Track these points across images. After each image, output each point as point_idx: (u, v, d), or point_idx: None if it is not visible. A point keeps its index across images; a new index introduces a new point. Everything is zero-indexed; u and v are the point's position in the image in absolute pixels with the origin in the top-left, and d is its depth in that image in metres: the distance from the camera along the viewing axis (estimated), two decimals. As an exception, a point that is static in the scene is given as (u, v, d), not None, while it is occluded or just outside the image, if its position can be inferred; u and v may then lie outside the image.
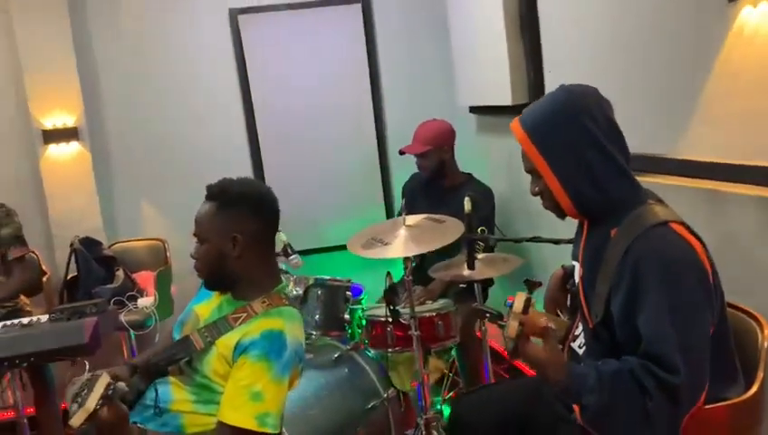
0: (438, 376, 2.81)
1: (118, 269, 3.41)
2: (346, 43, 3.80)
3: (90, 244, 3.36)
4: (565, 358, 1.40)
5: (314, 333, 2.65)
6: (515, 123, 1.51)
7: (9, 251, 3.13)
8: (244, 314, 1.69)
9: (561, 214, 1.54)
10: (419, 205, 2.96)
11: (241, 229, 1.70)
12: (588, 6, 2.46)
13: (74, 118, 3.53)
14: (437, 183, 3.10)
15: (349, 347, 2.65)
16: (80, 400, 1.39)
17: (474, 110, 3.55)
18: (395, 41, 3.86)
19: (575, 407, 1.36)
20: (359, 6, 3.77)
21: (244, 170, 3.79)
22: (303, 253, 3.26)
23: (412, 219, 2.37)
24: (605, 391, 1.31)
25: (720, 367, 1.41)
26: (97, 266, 3.32)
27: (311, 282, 2.63)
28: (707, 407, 1.38)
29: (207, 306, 1.80)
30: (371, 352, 2.65)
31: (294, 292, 2.59)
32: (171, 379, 1.70)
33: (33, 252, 3.35)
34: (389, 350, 2.58)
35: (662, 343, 1.31)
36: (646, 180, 2.07)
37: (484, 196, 3.04)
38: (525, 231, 2.83)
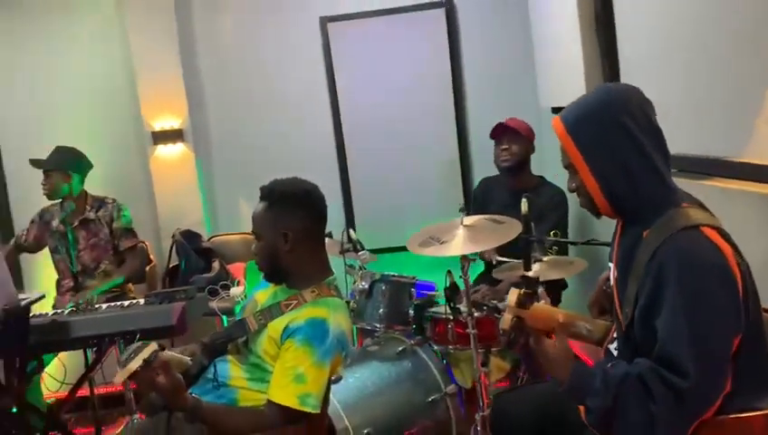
0: (502, 375, 2.84)
1: (214, 260, 3.72)
2: (430, 47, 3.89)
3: (190, 236, 3.68)
4: (572, 357, 1.42)
5: (378, 326, 2.77)
6: (556, 119, 1.53)
7: (121, 242, 3.52)
8: (295, 302, 1.84)
9: (597, 212, 1.55)
10: (492, 208, 3.00)
11: (290, 226, 1.85)
12: (663, 6, 2.41)
13: (180, 121, 3.89)
14: (510, 185, 3.12)
15: (413, 342, 2.75)
16: (126, 362, 1.59)
17: (556, 111, 3.53)
18: (478, 43, 3.91)
19: (580, 408, 1.38)
20: (442, 11, 3.85)
21: (330, 171, 4.01)
22: (384, 251, 3.40)
23: (470, 219, 2.43)
24: (610, 394, 1.32)
25: (753, 375, 1.37)
26: (196, 257, 3.64)
27: (376, 277, 2.75)
28: (742, 416, 1.35)
29: (265, 293, 1.98)
30: (435, 348, 2.74)
31: (360, 286, 2.72)
32: (229, 357, 1.89)
33: (143, 242, 3.74)
34: (451, 347, 2.66)
35: (676, 345, 1.30)
36: (708, 184, 2.02)
37: (556, 199, 3.03)
38: (606, 234, 2.80)
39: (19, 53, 3.98)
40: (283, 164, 3.98)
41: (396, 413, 2.54)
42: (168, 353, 1.70)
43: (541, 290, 1.56)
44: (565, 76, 3.10)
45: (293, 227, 1.86)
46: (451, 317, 2.56)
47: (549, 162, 3.17)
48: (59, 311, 3.01)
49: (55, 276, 3.62)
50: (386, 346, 2.77)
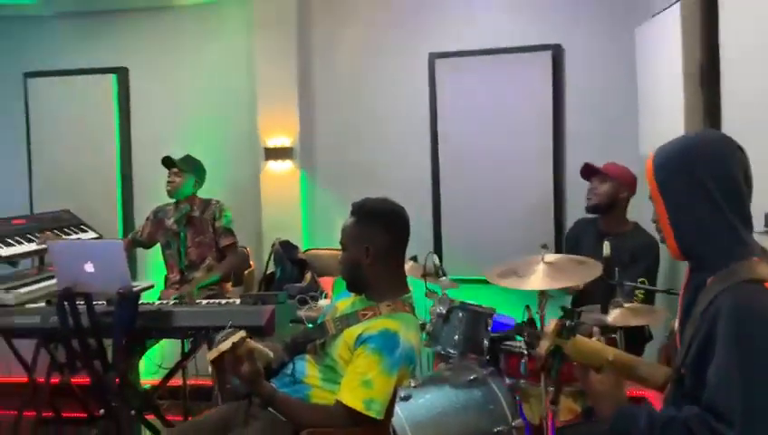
0: (571, 417, 2.83)
1: (307, 272, 3.94)
2: (533, 89, 3.94)
3: (288, 247, 3.93)
4: (621, 396, 1.46)
5: (452, 351, 2.84)
6: (651, 155, 1.56)
7: (221, 239, 3.80)
8: (371, 313, 1.99)
9: (672, 252, 1.56)
10: (582, 250, 3.03)
11: (373, 241, 2.01)
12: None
13: (291, 140, 4.17)
14: (600, 228, 3.14)
15: (485, 372, 2.80)
16: (218, 342, 1.78)
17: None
18: (582, 88, 3.92)
19: None
20: (549, 54, 3.91)
21: (424, 200, 4.15)
22: (466, 281, 3.48)
23: (552, 257, 2.49)
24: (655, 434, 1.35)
25: None
26: (291, 267, 3.87)
27: (455, 304, 2.84)
28: None
29: (345, 302, 2.13)
30: (507, 381, 2.78)
31: (439, 310, 2.82)
32: (308, 356, 2.05)
33: (244, 247, 4.02)
34: (522, 381, 2.69)
35: (726, 396, 1.31)
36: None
37: (647, 246, 3.01)
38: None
39: (159, 71, 4.45)
40: (380, 189, 4.17)
41: (463, 438, 2.61)
42: (253, 343, 1.87)
43: (596, 329, 1.59)
44: (666, 129, 3.09)
45: (375, 242, 2.02)
46: (524, 352, 2.61)
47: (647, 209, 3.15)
48: (164, 302, 3.33)
49: (164, 271, 3.96)
50: (459, 373, 2.83)
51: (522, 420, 2.67)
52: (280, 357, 2.03)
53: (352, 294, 2.14)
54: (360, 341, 1.92)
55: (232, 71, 4.36)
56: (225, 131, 4.36)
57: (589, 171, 3.18)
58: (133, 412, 3.17)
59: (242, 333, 1.79)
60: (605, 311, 2.34)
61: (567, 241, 3.40)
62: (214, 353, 1.76)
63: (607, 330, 2.60)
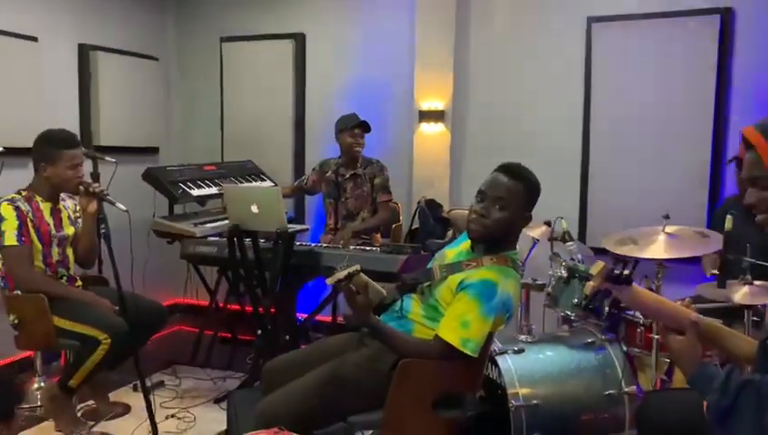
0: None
1: (450, 230, 4.16)
2: (697, 57, 3.74)
3: (432, 205, 4.16)
4: (700, 356, 1.51)
5: (572, 314, 2.91)
6: (751, 128, 1.50)
7: (378, 195, 4.16)
8: (474, 264, 2.18)
9: (750, 210, 1.52)
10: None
11: (529, 210, 2.20)
12: None
13: (443, 103, 4.36)
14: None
15: (604, 338, 2.85)
16: (338, 271, 2.05)
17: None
18: (753, 57, 3.65)
19: (704, 402, 1.48)
20: (717, 18, 3.66)
21: (572, 166, 4.14)
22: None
23: (673, 228, 2.46)
24: (728, 395, 1.40)
25: None
26: (433, 224, 4.11)
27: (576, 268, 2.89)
28: None
29: (454, 251, 2.34)
30: (624, 348, 2.80)
31: (559, 273, 2.89)
32: (414, 296, 2.29)
33: (396, 203, 4.35)
34: (638, 350, 2.71)
35: None
36: None
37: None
38: None
39: (331, 37, 4.84)
40: (528, 156, 4.23)
41: (570, 396, 2.68)
42: (366, 278, 2.13)
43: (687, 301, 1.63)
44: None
45: (529, 213, 2.21)
46: (641, 321, 2.62)
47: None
48: (319, 244, 3.75)
49: (325, 218, 4.42)
50: (577, 335, 2.91)
51: (635, 387, 2.70)
52: (392, 295, 2.29)
53: (461, 244, 2.33)
54: (462, 286, 2.12)
55: (394, 37, 4.62)
56: (384, 94, 4.66)
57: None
58: (288, 337, 3.67)
59: (357, 267, 2.06)
60: (722, 285, 2.29)
61: (715, 218, 3.24)
62: (333, 279, 2.05)
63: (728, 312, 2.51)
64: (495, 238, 2.21)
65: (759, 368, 1.55)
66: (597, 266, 1.61)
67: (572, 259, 2.98)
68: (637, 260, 1.62)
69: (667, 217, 2.50)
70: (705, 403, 1.48)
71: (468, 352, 2.07)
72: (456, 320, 2.09)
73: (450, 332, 2.09)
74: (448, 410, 2.21)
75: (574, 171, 4.16)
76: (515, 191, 2.17)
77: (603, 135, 4.06)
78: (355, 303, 2.08)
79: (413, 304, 2.27)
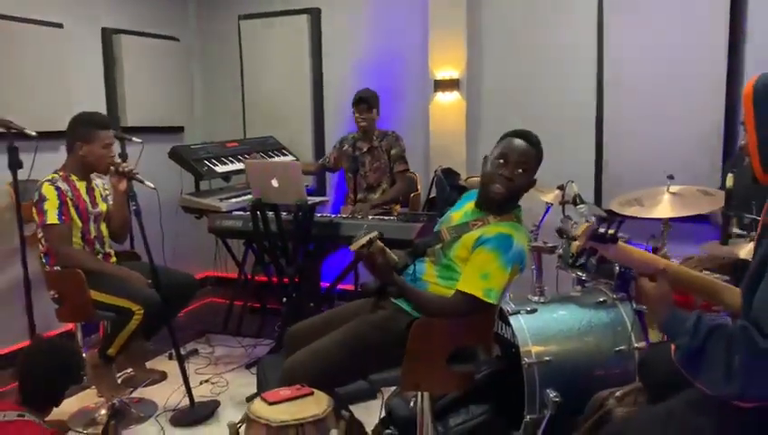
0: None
1: (466, 197, 4.25)
2: (707, 21, 3.73)
3: (449, 174, 4.24)
4: (671, 300, 1.60)
5: (584, 275, 3.00)
6: (753, 78, 1.58)
7: (395, 165, 4.27)
8: (480, 223, 2.33)
9: (753, 177, 1.61)
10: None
11: (537, 170, 2.36)
12: None
13: (458, 72, 4.41)
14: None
15: (615, 296, 2.93)
16: (358, 237, 2.18)
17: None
18: (765, 16, 3.61)
19: (672, 346, 1.57)
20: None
21: (587, 130, 4.18)
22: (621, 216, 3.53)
23: (677, 187, 2.52)
24: (698, 338, 1.49)
25: None
26: (450, 192, 4.19)
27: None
28: None
29: (459, 213, 2.47)
30: (635, 307, 2.88)
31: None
32: (426, 259, 2.41)
33: (413, 173, 4.45)
34: (646, 307, 2.78)
35: (765, 310, 1.42)
36: None
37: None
38: None
39: (346, 11, 4.90)
40: (543, 120, 4.30)
41: (581, 353, 2.76)
42: (382, 244, 2.25)
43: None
44: None
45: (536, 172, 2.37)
46: (649, 279, 2.69)
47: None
48: (339, 215, 3.89)
49: (345, 191, 4.54)
50: (589, 295, 2.99)
51: (645, 343, 2.78)
52: (403, 260, 2.41)
53: (465, 205, 2.45)
54: (479, 242, 2.27)
55: (407, 7, 4.66)
56: (400, 65, 4.72)
57: None
58: (312, 304, 3.83)
59: (375, 233, 2.19)
60: (725, 242, 2.35)
61: (723, 176, 3.27)
62: (356, 245, 2.18)
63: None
64: (509, 201, 2.36)
65: (744, 316, 1.64)
66: (582, 227, 1.70)
67: (586, 221, 3.07)
68: (621, 220, 1.71)
69: (671, 177, 2.56)
70: (673, 347, 1.58)
71: (492, 301, 2.22)
72: (476, 273, 2.23)
73: (472, 284, 2.23)
74: (462, 364, 2.34)
75: (589, 135, 4.20)
76: (532, 155, 2.35)
77: (617, 98, 4.08)
78: (377, 266, 2.20)
79: (426, 267, 2.40)
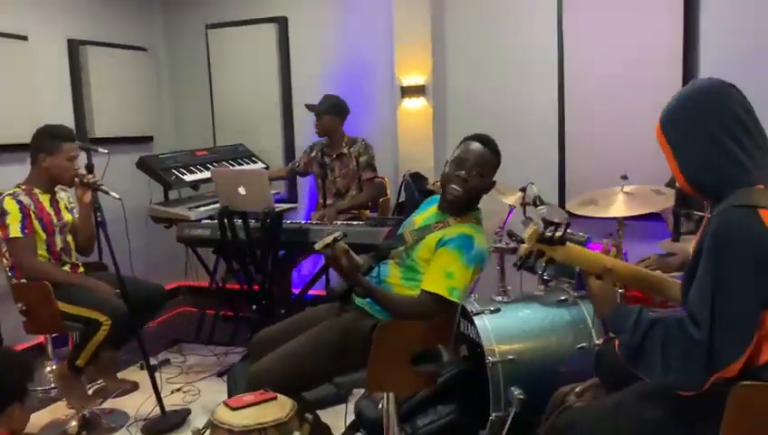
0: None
1: (434, 201, 4.31)
2: (664, 23, 3.84)
3: (417, 178, 4.30)
4: (615, 298, 1.67)
5: (547, 274, 3.06)
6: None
7: (363, 173, 4.31)
8: (441, 225, 2.38)
9: (686, 194, 1.74)
10: None
11: (495, 173, 2.42)
12: None
13: (424, 78, 4.48)
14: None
15: (577, 295, 3.00)
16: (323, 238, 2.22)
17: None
18: (719, 17, 3.73)
19: (616, 341, 1.64)
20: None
21: (550, 133, 4.27)
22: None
23: (631, 187, 2.60)
24: (638, 334, 1.57)
25: None
26: (418, 196, 4.25)
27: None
28: (762, 384, 1.49)
29: (422, 216, 2.53)
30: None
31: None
32: (390, 261, 2.46)
33: (382, 178, 4.49)
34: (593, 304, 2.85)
35: (698, 305, 1.50)
36: None
37: None
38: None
39: (313, 20, 4.95)
40: (507, 124, 4.39)
41: (544, 351, 2.82)
42: (346, 246, 2.27)
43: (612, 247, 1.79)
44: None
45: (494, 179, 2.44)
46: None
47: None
48: (309, 221, 3.92)
49: (314, 197, 4.58)
50: (551, 294, 3.06)
51: (606, 338, 2.84)
52: (367, 263, 2.46)
53: (428, 209, 2.51)
54: (441, 243, 2.32)
55: (373, 15, 4.72)
56: (367, 72, 4.78)
57: None
58: (282, 311, 3.85)
59: (338, 233, 2.23)
60: (676, 239, 2.43)
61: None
62: (320, 245, 2.21)
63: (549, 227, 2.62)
64: (468, 203, 2.42)
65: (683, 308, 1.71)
66: (529, 230, 1.76)
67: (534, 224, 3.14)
68: (568, 223, 1.77)
69: (624, 177, 2.64)
70: (617, 342, 1.64)
71: (455, 299, 2.27)
72: (439, 272, 2.28)
73: (436, 283, 2.27)
74: (426, 364, 2.38)
75: (552, 136, 4.28)
76: (488, 159, 2.40)
77: (578, 99, 4.17)
78: (342, 267, 2.23)
79: (390, 269, 2.44)
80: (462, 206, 2.42)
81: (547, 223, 1.75)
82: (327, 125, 4.24)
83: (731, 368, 1.48)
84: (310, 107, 4.28)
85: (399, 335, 2.29)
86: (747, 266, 1.47)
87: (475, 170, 2.37)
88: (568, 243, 1.75)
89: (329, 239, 2.21)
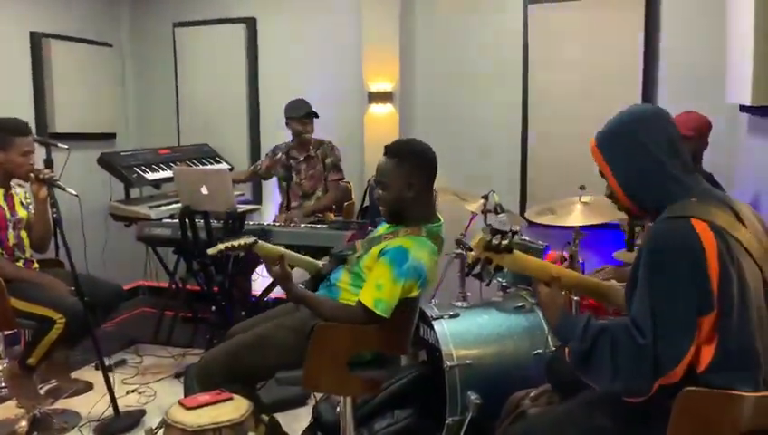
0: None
1: (399, 206, 4.33)
2: (625, 34, 3.95)
3: (382, 183, 4.32)
4: (563, 305, 1.71)
5: (505, 281, 3.11)
6: (593, 137, 1.78)
7: (329, 174, 4.31)
8: (391, 236, 2.38)
9: (629, 213, 1.80)
10: None
11: (413, 177, 2.34)
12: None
13: (391, 85, 4.51)
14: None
15: (534, 301, 3.05)
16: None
17: (743, 109, 3.41)
18: (675, 30, 3.86)
19: (566, 349, 1.68)
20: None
21: (513, 142, 4.34)
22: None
23: (589, 197, 2.66)
24: (587, 341, 1.60)
25: (730, 356, 1.53)
26: (383, 201, 4.27)
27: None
28: (721, 392, 1.52)
29: (385, 226, 2.52)
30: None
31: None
32: (345, 266, 2.47)
33: (347, 182, 4.50)
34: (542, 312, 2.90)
35: (640, 311, 1.54)
36: None
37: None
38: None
39: (281, 21, 4.95)
40: (471, 130, 4.45)
41: (501, 356, 2.86)
42: (280, 250, 2.32)
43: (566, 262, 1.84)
44: (742, 72, 3.03)
45: (415, 177, 2.34)
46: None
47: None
48: (273, 223, 3.90)
49: (279, 199, 4.55)
50: (509, 300, 3.11)
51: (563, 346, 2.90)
52: (328, 267, 2.47)
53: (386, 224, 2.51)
54: (381, 254, 2.32)
55: (342, 19, 4.74)
56: (335, 76, 4.79)
57: None
58: (243, 313, 3.83)
59: (245, 239, 2.24)
60: (630, 248, 2.50)
61: None
62: (213, 250, 2.25)
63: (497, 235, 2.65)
64: (398, 214, 2.40)
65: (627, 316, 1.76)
66: (476, 238, 1.79)
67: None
68: (514, 231, 1.81)
69: (582, 187, 2.70)
70: (566, 350, 1.68)
71: (378, 312, 2.23)
72: (371, 283, 2.29)
73: (366, 294, 2.28)
74: (368, 369, 2.39)
75: (515, 147, 4.35)
76: (390, 168, 2.35)
77: (541, 111, 4.25)
78: (271, 273, 2.26)
79: (342, 274, 2.46)
80: (400, 219, 2.40)
81: (494, 231, 1.77)
82: (311, 128, 4.25)
83: (673, 373, 1.52)
84: (311, 113, 4.24)
85: (336, 338, 2.30)
86: (682, 274, 1.51)
87: (380, 187, 2.38)
88: (515, 251, 1.78)
89: (222, 246, 2.23)
